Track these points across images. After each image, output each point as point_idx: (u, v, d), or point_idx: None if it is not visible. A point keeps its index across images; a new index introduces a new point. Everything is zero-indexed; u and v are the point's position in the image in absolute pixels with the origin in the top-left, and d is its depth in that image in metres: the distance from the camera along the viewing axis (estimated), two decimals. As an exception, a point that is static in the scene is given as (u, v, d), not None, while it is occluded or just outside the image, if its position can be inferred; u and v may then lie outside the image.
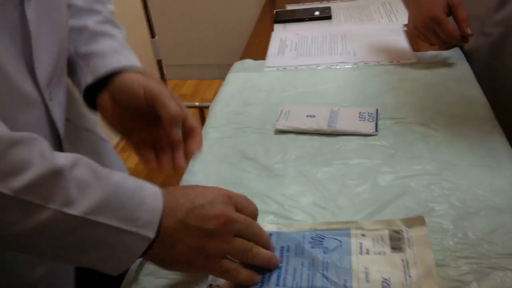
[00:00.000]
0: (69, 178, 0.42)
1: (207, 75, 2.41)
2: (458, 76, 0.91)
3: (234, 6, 2.17)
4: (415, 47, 1.05)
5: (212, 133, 0.83)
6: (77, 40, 0.63)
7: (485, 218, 0.59)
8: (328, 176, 0.70)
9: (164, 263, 0.48)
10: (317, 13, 1.29)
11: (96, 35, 0.64)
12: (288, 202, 0.66)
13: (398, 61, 1.00)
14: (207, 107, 1.73)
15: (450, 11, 0.89)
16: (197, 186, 0.51)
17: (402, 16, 1.22)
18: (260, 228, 0.51)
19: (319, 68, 1.02)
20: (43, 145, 0.43)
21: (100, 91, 0.60)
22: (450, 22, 0.89)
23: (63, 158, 0.43)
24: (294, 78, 0.99)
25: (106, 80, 0.59)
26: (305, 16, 1.28)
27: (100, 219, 0.42)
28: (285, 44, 1.17)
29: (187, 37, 2.41)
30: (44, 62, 0.55)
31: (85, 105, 0.64)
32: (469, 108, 0.81)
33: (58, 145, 0.60)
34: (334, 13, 1.30)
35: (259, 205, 0.65)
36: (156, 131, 0.60)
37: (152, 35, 1.84)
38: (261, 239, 0.51)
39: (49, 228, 0.41)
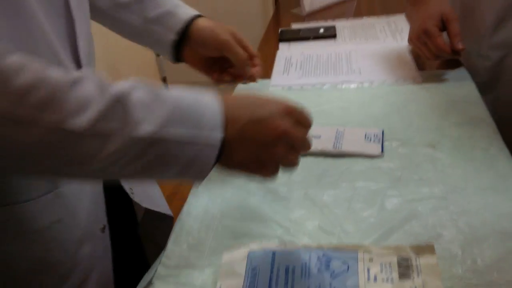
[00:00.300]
0: (130, 102, 0.43)
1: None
2: (464, 96, 0.90)
3: (239, 25, 2.19)
4: (420, 66, 1.05)
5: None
6: (141, 9, 0.75)
7: (494, 244, 0.58)
8: (334, 199, 0.69)
9: (226, 165, 0.50)
10: (322, 31, 1.30)
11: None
12: (293, 226, 0.65)
13: (404, 81, 1.00)
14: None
15: (444, 26, 0.92)
16: (259, 97, 0.52)
17: (407, 35, 1.21)
18: (310, 144, 0.54)
19: (324, 87, 1.02)
20: (99, 78, 0.44)
21: (180, 45, 0.77)
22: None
23: (120, 86, 0.44)
24: (299, 98, 0.98)
25: (182, 34, 0.75)
26: (310, 35, 1.29)
27: (169, 134, 0.44)
28: (290, 63, 1.17)
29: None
30: (84, 47, 0.60)
31: (171, 59, 0.80)
32: (476, 129, 0.80)
33: None
34: (339, 32, 1.30)
35: (264, 230, 0.65)
36: (231, 68, 0.80)
37: (158, 53, 1.86)
38: (305, 150, 0.53)
39: (124, 153, 0.43)
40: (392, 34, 1.24)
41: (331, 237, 0.62)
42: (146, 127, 0.43)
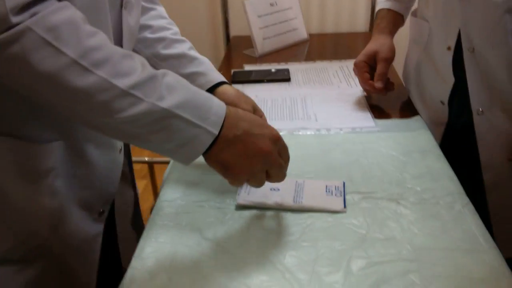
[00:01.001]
0: (161, 81, 0.55)
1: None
2: (422, 146, 0.89)
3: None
4: (376, 114, 1.04)
5: (166, 208, 0.75)
6: (177, 64, 0.83)
7: (470, 315, 0.53)
8: (297, 262, 0.63)
9: (211, 159, 0.60)
10: (275, 73, 1.27)
11: (192, 59, 0.84)
12: (253, 295, 0.58)
13: (361, 129, 0.97)
14: (159, 163, 1.65)
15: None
16: (260, 119, 0.64)
17: (361, 81, 1.21)
18: (283, 176, 0.65)
19: (281, 134, 0.97)
20: (143, 58, 0.57)
21: None
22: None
23: (156, 70, 0.56)
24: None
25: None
26: (264, 78, 1.25)
27: (182, 113, 0.55)
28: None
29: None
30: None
31: None
32: (438, 182, 0.78)
33: None
34: (293, 75, 1.28)
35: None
36: None
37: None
38: (278, 180, 0.65)
39: (145, 115, 0.53)
40: (346, 79, 1.23)
41: (295, 309, 0.56)
42: (167, 101, 0.54)
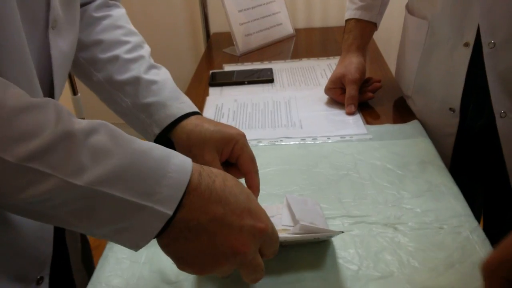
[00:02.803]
0: (82, 144, 0.39)
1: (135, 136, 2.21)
2: (421, 157, 0.78)
3: (168, 61, 2.01)
4: (368, 119, 0.93)
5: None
6: (134, 94, 0.65)
7: None
8: (275, 311, 0.52)
9: (162, 246, 0.45)
10: (258, 74, 1.16)
11: (151, 84, 0.65)
12: None
13: (351, 137, 0.86)
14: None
15: None
16: (246, 198, 0.46)
17: (351, 81, 1.10)
18: (259, 277, 0.48)
19: (260, 144, 0.86)
20: (62, 109, 0.41)
21: (167, 137, 0.64)
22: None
23: (82, 124, 0.40)
24: (231, 158, 0.82)
25: (171, 127, 0.64)
26: (245, 79, 1.14)
27: (111, 190, 0.39)
28: (222, 112, 1.01)
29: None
30: (60, 80, 0.57)
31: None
32: (441, 202, 0.67)
33: None
34: (276, 75, 1.17)
35: None
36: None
37: (74, 91, 1.64)
38: (250, 281, 0.48)
39: (55, 196, 0.39)
40: (335, 79, 1.12)
41: None
42: (86, 175, 0.39)
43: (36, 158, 0.37)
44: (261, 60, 1.30)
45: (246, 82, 1.13)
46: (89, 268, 0.73)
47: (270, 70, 1.18)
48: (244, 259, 0.44)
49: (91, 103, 2.07)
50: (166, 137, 0.65)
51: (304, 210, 0.64)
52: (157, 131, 0.64)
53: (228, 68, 1.26)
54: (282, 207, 0.66)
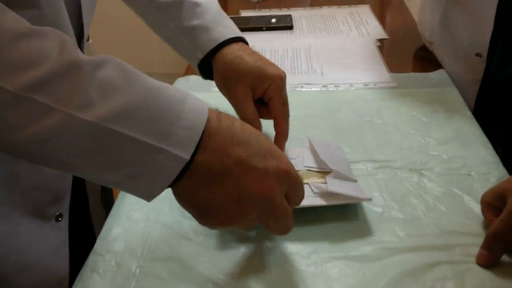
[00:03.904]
0: (90, 77, 0.35)
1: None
2: (448, 105, 0.75)
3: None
4: (392, 67, 0.89)
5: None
6: (176, 16, 0.64)
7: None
8: (299, 248, 0.51)
9: (182, 198, 0.41)
10: (276, 20, 1.11)
11: (195, 6, 0.64)
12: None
13: (375, 84, 0.83)
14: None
15: None
16: (266, 140, 0.43)
17: (374, 29, 1.06)
18: (287, 228, 0.44)
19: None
20: (66, 39, 0.36)
21: (210, 62, 0.63)
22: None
23: (86, 56, 0.36)
24: (250, 102, 0.80)
25: (214, 52, 0.62)
26: (263, 25, 1.10)
27: (122, 129, 0.36)
28: (239, 57, 0.97)
29: (127, 41, 2.16)
30: (88, 10, 0.56)
31: (200, 75, 0.68)
32: (469, 149, 0.65)
33: None
34: (295, 23, 1.13)
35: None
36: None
37: (87, 38, 1.60)
38: (279, 233, 0.45)
39: (60, 134, 0.35)
40: (357, 27, 1.08)
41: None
42: (95, 110, 0.35)
43: (38, 88, 0.34)
44: (279, 7, 1.26)
45: (264, 29, 1.09)
46: (108, 207, 0.72)
47: (290, 16, 1.13)
48: (272, 203, 0.41)
49: (103, 50, 2.03)
50: (209, 63, 0.64)
51: (327, 154, 0.62)
52: (200, 56, 0.63)
53: (245, 14, 1.22)
54: (304, 150, 0.64)
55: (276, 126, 0.61)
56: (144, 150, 0.37)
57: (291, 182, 0.43)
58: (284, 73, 0.61)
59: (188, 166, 0.38)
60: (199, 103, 0.40)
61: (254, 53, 0.63)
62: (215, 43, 0.62)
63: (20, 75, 0.33)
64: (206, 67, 0.65)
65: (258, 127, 0.62)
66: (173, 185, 0.39)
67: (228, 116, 0.42)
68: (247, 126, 0.42)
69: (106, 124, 0.35)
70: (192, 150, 0.38)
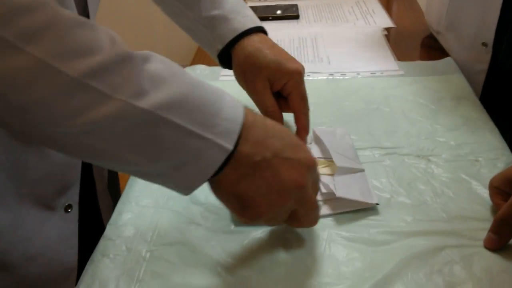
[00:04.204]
0: (141, 68, 0.37)
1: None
2: (456, 93, 0.75)
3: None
4: (399, 56, 0.89)
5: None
6: (196, 5, 0.63)
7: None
8: (307, 231, 0.51)
9: (224, 191, 0.42)
10: (282, 10, 1.11)
11: None
12: (251, 275, 0.47)
13: (382, 73, 0.83)
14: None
15: None
16: (293, 134, 0.45)
17: (381, 19, 1.06)
18: (316, 219, 0.47)
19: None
20: (114, 33, 0.38)
21: (230, 53, 0.63)
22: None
23: (136, 51, 0.38)
24: (257, 91, 0.80)
25: (234, 42, 0.62)
26: (269, 15, 1.10)
27: (174, 117, 0.37)
28: (246, 47, 0.98)
29: (132, 33, 2.16)
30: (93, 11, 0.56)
31: (220, 65, 0.67)
32: (476, 135, 0.65)
33: None
34: (301, 12, 1.13)
35: (212, 280, 0.47)
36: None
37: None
38: (308, 224, 0.48)
39: (115, 122, 0.35)
40: (363, 16, 1.08)
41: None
42: (149, 99, 0.36)
43: (97, 75, 0.34)
44: (286, -3, 1.25)
45: (270, 18, 1.09)
46: (115, 196, 0.73)
47: (296, 6, 1.13)
48: (305, 192, 0.43)
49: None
50: (229, 53, 0.63)
51: (334, 142, 0.62)
52: (219, 46, 0.63)
53: (251, 3, 1.22)
54: (309, 140, 0.64)
55: (296, 121, 0.62)
56: (191, 139, 0.38)
57: (315, 173, 0.45)
58: (303, 67, 0.62)
59: (231, 156, 0.39)
60: (235, 99, 0.42)
61: (274, 45, 0.62)
62: (234, 33, 0.61)
63: (80, 61, 0.34)
64: (226, 57, 0.65)
65: (279, 118, 0.62)
66: (216, 176, 0.40)
67: (258, 113, 0.44)
68: (275, 122, 0.44)
69: (159, 112, 0.36)
70: (235, 141, 0.39)
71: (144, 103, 0.36)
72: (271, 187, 0.41)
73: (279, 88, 0.61)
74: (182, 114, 0.37)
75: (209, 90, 0.40)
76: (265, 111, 0.62)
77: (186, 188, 0.41)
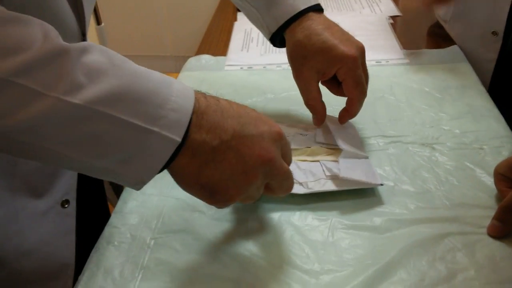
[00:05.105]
0: (77, 62, 0.35)
1: (161, 68, 2.18)
2: (461, 81, 0.75)
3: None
4: (405, 44, 0.89)
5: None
6: None
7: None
8: (312, 221, 0.52)
9: (188, 182, 0.41)
10: None
11: None
12: (254, 262, 0.47)
13: (387, 61, 0.83)
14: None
15: None
16: (253, 111, 0.44)
17: (386, 7, 1.05)
18: (291, 186, 0.46)
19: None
20: (49, 27, 0.36)
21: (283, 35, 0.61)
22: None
23: (69, 43, 0.36)
24: (262, 80, 0.80)
25: (286, 25, 0.60)
26: (274, 4, 1.09)
27: (113, 111, 0.36)
28: (251, 37, 0.98)
29: (138, 24, 2.17)
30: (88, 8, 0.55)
31: (272, 43, 0.64)
32: (481, 123, 0.64)
33: None
34: (307, 1, 1.12)
35: (214, 267, 0.47)
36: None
37: (98, 21, 1.62)
38: (283, 193, 0.46)
39: (50, 120, 0.34)
40: (369, 5, 1.07)
41: (306, 278, 0.45)
42: (84, 93, 0.35)
43: (25, 73, 0.33)
44: (291, -14, 1.25)
45: (275, 7, 1.09)
46: (117, 189, 0.73)
47: (301, -5, 1.12)
48: (273, 165, 0.42)
49: (115, 33, 2.04)
50: (282, 35, 0.61)
51: (340, 130, 0.62)
52: (272, 29, 0.61)
53: (256, -6, 1.21)
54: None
55: (347, 105, 0.60)
56: (135, 133, 0.37)
57: (284, 142, 0.44)
58: (361, 47, 0.58)
59: (183, 146, 0.38)
60: (185, 87, 0.40)
61: (327, 28, 0.58)
62: (286, 17, 0.59)
63: (7, 60, 0.33)
64: (279, 39, 0.63)
65: (319, 112, 0.61)
66: (173, 168, 0.40)
67: (213, 96, 0.42)
68: (233, 102, 0.43)
69: (96, 106, 0.35)
70: (183, 132, 0.38)
71: (79, 98, 0.34)
72: (235, 168, 0.40)
73: (331, 75, 0.58)
74: (123, 107, 0.36)
75: (155, 79, 0.39)
76: (305, 103, 0.61)
77: (135, 183, 0.40)
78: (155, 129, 0.37)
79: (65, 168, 0.39)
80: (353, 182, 0.54)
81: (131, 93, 0.37)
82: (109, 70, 0.36)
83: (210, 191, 0.41)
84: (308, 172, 0.56)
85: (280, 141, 0.43)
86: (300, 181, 0.55)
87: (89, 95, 0.35)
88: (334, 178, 0.55)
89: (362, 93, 0.58)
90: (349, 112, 0.60)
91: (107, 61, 0.37)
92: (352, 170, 0.55)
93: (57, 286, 0.55)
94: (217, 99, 0.42)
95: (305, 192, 0.54)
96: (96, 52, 0.37)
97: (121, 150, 0.37)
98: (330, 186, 0.54)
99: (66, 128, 0.35)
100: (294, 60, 0.59)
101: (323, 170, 0.56)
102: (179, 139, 0.38)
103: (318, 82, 0.60)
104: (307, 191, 0.54)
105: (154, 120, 0.37)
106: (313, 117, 0.62)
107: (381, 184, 0.54)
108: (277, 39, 0.63)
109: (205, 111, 0.40)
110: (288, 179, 0.45)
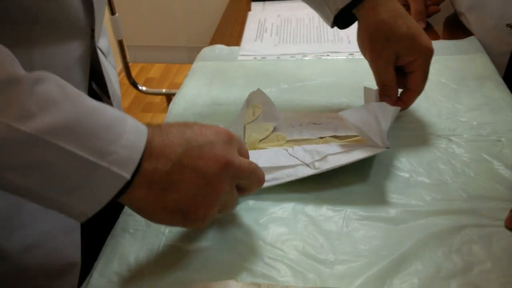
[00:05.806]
0: (29, 91, 0.35)
1: (175, 59, 2.18)
2: (478, 72, 0.74)
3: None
4: (421, 35, 0.87)
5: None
6: None
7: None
8: (324, 211, 0.51)
9: (154, 211, 0.41)
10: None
11: None
12: (268, 252, 0.47)
13: (403, 52, 0.82)
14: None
15: None
16: (195, 123, 0.43)
17: (402, -3, 1.03)
18: (262, 176, 0.46)
19: (306, 58, 0.83)
20: (5, 55, 0.37)
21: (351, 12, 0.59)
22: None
23: (28, 73, 0.36)
24: (275, 71, 0.80)
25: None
26: (288, -6, 1.08)
27: (62, 143, 0.35)
28: (265, 27, 0.97)
29: (151, 14, 2.16)
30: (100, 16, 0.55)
31: (331, 24, 0.64)
32: (499, 115, 0.64)
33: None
34: (322, -8, 1.11)
35: (229, 256, 0.47)
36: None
37: (112, 11, 1.62)
38: (258, 185, 0.46)
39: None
40: (385, -4, 1.05)
41: (321, 269, 0.45)
42: (35, 122, 0.34)
43: None
44: (305, -24, 1.24)
45: (290, -3, 1.08)
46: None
47: (316, -15, 1.11)
48: (233, 166, 0.42)
49: (129, 22, 2.05)
50: (348, 13, 0.59)
51: (362, 117, 0.59)
52: (340, 5, 0.58)
53: (270, -17, 1.20)
54: (329, 116, 0.64)
55: (404, 96, 0.59)
56: (82, 165, 0.36)
57: (235, 139, 0.44)
58: (432, 48, 0.58)
59: (135, 179, 0.38)
60: (138, 124, 0.40)
61: (407, 16, 0.57)
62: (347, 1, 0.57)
63: None
64: (343, 17, 0.60)
65: (393, 95, 0.60)
66: (132, 202, 0.40)
67: (166, 127, 0.42)
68: (175, 123, 0.43)
69: (45, 136, 0.35)
70: (133, 169, 0.38)
71: (28, 126, 0.34)
72: (197, 183, 0.40)
73: (405, 63, 0.57)
74: (72, 139, 0.36)
75: (109, 115, 0.38)
76: (381, 86, 0.60)
77: (78, 215, 0.39)
78: (104, 164, 0.37)
79: (12, 194, 0.38)
80: (356, 130, 0.53)
81: (82, 126, 0.37)
82: (62, 102, 0.36)
83: (182, 214, 0.41)
84: (314, 151, 0.55)
85: (230, 140, 0.43)
86: (307, 162, 0.54)
87: (39, 124, 0.35)
88: (341, 152, 0.54)
89: (423, 89, 0.59)
90: (405, 104, 0.60)
91: (61, 93, 0.37)
92: (355, 117, 0.54)
93: (63, 285, 0.54)
94: (169, 129, 0.41)
95: (313, 173, 0.53)
96: (51, 83, 0.37)
97: (67, 181, 0.37)
98: (337, 161, 0.53)
99: (12, 154, 0.35)
100: (374, 41, 0.57)
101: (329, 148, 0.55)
102: (128, 176, 0.38)
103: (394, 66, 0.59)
104: (315, 172, 0.53)
105: (103, 155, 0.37)
106: (385, 98, 0.60)
107: (388, 147, 0.53)
108: (341, 19, 0.61)
109: (154, 142, 0.40)
110: (254, 172, 0.44)
